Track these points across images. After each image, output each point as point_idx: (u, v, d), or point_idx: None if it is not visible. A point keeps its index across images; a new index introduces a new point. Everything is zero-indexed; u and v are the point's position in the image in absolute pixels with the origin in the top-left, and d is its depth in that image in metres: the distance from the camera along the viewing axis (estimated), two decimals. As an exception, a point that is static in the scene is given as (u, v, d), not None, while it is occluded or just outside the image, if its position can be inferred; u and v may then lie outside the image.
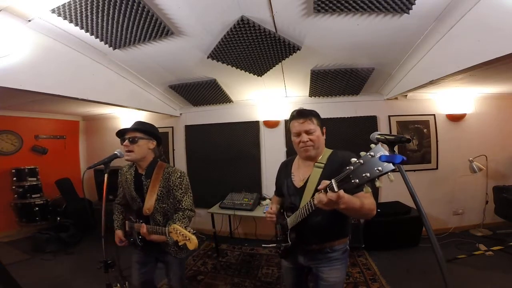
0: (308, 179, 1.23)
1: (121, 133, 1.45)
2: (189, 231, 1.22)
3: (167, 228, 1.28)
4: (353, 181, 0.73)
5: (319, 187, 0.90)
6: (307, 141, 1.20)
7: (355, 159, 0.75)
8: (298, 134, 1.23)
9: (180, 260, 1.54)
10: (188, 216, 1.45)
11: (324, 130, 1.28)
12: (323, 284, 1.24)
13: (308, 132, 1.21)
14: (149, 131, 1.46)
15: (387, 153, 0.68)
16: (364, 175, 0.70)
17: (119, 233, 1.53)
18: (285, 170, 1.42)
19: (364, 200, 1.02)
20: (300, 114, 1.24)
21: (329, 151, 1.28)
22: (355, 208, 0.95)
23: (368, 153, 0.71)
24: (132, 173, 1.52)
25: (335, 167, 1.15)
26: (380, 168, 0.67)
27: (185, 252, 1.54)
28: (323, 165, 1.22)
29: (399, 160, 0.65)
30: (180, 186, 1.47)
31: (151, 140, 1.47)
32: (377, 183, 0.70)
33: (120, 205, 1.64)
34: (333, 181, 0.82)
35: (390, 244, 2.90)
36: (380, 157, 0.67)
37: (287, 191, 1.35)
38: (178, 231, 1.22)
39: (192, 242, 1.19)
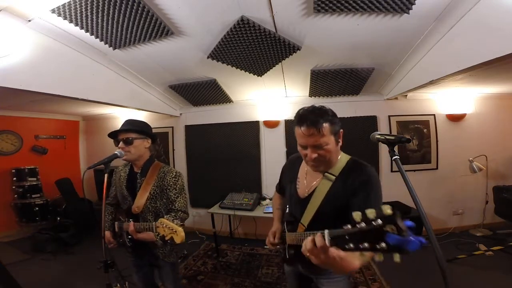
0: (314, 190, 1.04)
1: (114, 134, 1.42)
2: (177, 224, 1.18)
3: (153, 223, 1.24)
4: (346, 246, 0.61)
5: (306, 244, 0.72)
6: (315, 157, 0.95)
7: (360, 219, 0.58)
8: (304, 147, 0.97)
9: (172, 264, 1.51)
10: (181, 217, 1.41)
11: (341, 134, 1.01)
12: None
13: (316, 147, 0.94)
14: (143, 131, 1.44)
15: (400, 225, 0.52)
16: (361, 245, 0.57)
17: (107, 234, 1.49)
18: (291, 171, 1.23)
19: (365, 258, 0.79)
20: (306, 122, 0.93)
21: (346, 159, 1.05)
22: (345, 271, 0.74)
23: (375, 221, 0.56)
24: (126, 171, 1.50)
25: (348, 184, 0.97)
26: (383, 245, 0.54)
27: (175, 256, 1.52)
28: (334, 177, 1.00)
29: (413, 248, 0.52)
30: (175, 186, 1.44)
31: (146, 139, 1.46)
32: (376, 257, 0.56)
33: (110, 205, 1.62)
34: (326, 233, 0.69)
35: (390, 244, 2.89)
36: (388, 236, 0.53)
37: (290, 198, 1.20)
38: (165, 225, 1.18)
39: (179, 235, 1.14)
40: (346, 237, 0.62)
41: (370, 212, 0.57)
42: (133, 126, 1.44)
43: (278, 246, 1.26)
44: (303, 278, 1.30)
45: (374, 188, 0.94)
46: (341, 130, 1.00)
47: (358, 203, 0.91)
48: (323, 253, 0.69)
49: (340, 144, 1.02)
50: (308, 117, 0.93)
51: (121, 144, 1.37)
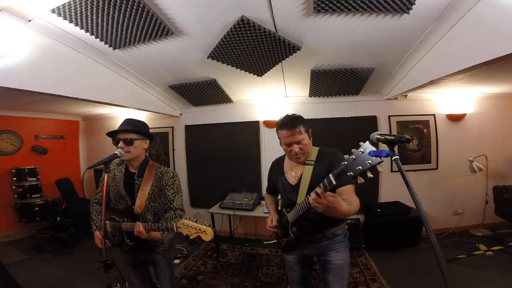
0: (301, 176, 1.33)
1: (113, 133, 1.42)
2: (201, 223, 1.22)
3: (174, 224, 1.26)
4: (348, 174, 0.84)
5: (316, 189, 0.98)
6: (298, 150, 1.28)
7: (348, 156, 0.85)
8: (289, 145, 1.30)
9: (169, 260, 1.53)
10: (179, 215, 1.45)
11: (311, 132, 1.35)
12: (331, 267, 1.33)
13: (298, 143, 1.27)
14: (142, 132, 1.46)
15: (375, 149, 0.80)
16: (357, 168, 0.81)
17: (98, 234, 1.45)
18: (277, 169, 1.51)
19: (351, 205, 1.10)
20: (287, 126, 1.27)
21: (316, 149, 1.38)
22: (343, 211, 1.01)
23: (358, 150, 0.83)
24: (122, 170, 1.50)
25: (324, 162, 1.29)
26: (370, 161, 0.79)
27: (173, 252, 1.54)
28: (313, 162, 1.33)
29: (385, 154, 0.77)
30: (172, 186, 1.47)
31: (145, 139, 1.48)
32: (368, 174, 0.81)
33: (99, 205, 1.59)
34: (330, 175, 0.92)
35: (390, 244, 2.89)
36: (369, 153, 0.79)
37: (283, 188, 1.42)
38: (189, 225, 1.22)
39: (208, 233, 1.20)
40: (345, 170, 0.85)
41: (353, 150, 0.84)
42: (133, 126, 1.44)
43: (276, 230, 1.46)
44: (305, 264, 1.46)
45: (342, 156, 1.22)
46: (310, 129, 1.35)
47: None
48: (324, 198, 0.94)
49: (311, 139, 1.35)
50: (288, 123, 1.27)
51: (121, 144, 1.38)
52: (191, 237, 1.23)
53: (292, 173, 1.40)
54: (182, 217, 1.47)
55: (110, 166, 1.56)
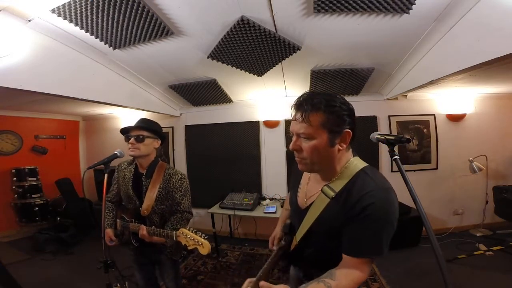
0: (312, 204, 0.88)
1: (126, 130, 1.43)
2: (200, 235, 1.20)
3: (174, 232, 1.26)
4: None
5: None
6: (296, 153, 0.81)
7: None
8: (292, 134, 0.82)
9: (174, 262, 1.53)
10: (187, 218, 1.45)
11: (347, 135, 0.78)
12: None
13: (299, 136, 0.78)
14: (155, 130, 1.47)
15: None
16: None
17: (109, 232, 1.51)
18: (296, 175, 1.07)
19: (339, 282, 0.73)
20: (296, 104, 0.79)
21: (357, 167, 0.82)
22: None
23: None
24: (131, 170, 1.50)
25: (348, 208, 0.77)
26: None
27: (179, 254, 1.53)
28: (333, 194, 0.80)
29: None
30: (180, 189, 1.46)
31: (156, 139, 1.48)
32: None
33: (111, 203, 1.61)
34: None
35: (390, 244, 2.88)
36: None
37: (291, 205, 1.06)
38: (188, 236, 1.21)
39: (205, 247, 1.17)
40: None
41: None
42: (147, 124, 1.45)
43: None
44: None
45: (376, 221, 0.77)
46: (347, 131, 0.77)
47: (350, 236, 0.78)
48: None
49: (340, 148, 0.79)
50: (301, 103, 0.78)
51: (132, 140, 1.38)
52: (189, 248, 1.21)
53: (304, 191, 0.95)
54: (189, 220, 1.48)
55: (121, 165, 1.57)
